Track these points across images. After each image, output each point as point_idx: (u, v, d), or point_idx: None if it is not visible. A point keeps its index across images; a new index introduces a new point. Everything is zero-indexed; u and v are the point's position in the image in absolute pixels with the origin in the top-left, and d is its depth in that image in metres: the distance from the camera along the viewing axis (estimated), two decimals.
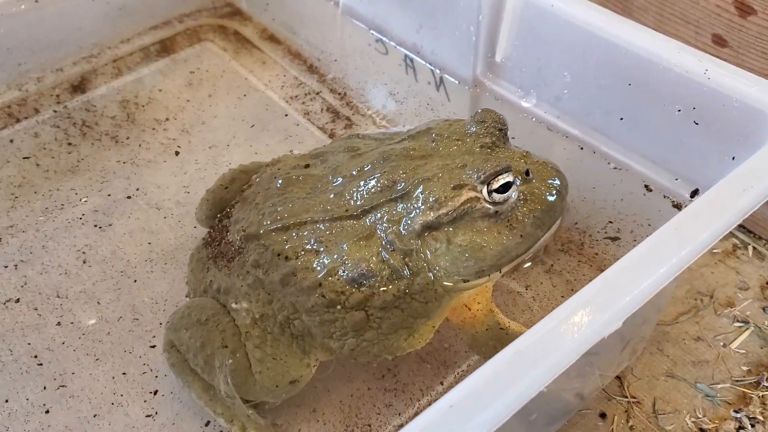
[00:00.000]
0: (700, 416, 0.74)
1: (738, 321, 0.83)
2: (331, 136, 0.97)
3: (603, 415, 0.74)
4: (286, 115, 1.01)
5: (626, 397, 0.76)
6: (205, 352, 0.68)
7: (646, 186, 0.75)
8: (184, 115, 1.00)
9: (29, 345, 0.75)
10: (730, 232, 0.92)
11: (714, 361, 0.79)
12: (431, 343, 0.74)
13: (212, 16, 1.16)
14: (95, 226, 0.86)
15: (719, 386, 0.77)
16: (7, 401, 0.70)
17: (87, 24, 1.06)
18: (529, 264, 0.83)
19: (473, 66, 0.86)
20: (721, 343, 0.80)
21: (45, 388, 0.71)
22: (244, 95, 1.03)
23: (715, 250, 0.90)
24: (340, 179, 0.69)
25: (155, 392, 0.71)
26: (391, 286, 0.63)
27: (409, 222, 0.63)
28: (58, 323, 0.77)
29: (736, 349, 0.80)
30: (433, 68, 0.91)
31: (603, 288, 0.49)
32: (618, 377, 0.77)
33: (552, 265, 0.83)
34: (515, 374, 0.43)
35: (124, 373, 0.72)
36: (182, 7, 1.15)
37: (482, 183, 0.62)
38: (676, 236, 0.52)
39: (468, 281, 0.64)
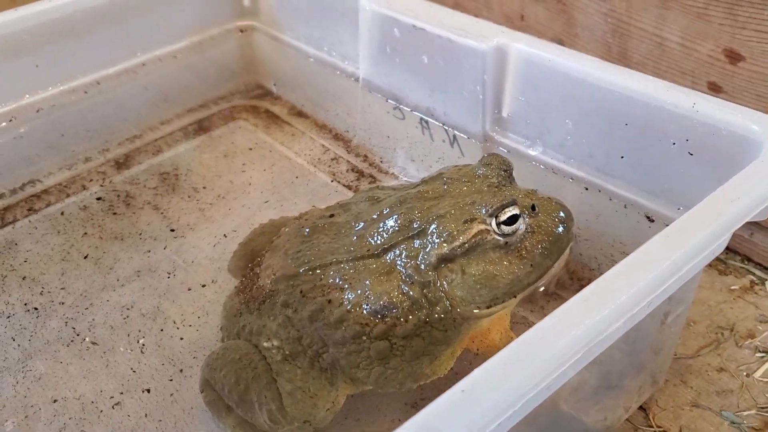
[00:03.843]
0: None
1: (760, 351, 0.84)
2: (356, 192, 1.04)
3: None
4: (315, 177, 1.09)
5: (652, 427, 0.77)
6: (240, 388, 0.72)
7: (648, 218, 0.80)
8: (220, 183, 1.08)
9: (76, 390, 0.80)
10: (746, 269, 0.95)
11: (738, 390, 0.80)
12: (456, 372, 0.77)
13: (245, 98, 1.27)
14: (139, 285, 0.92)
15: (745, 413, 0.78)
16: None
17: (132, 110, 1.17)
18: (542, 288, 0.87)
19: (482, 122, 0.93)
20: (744, 373, 0.82)
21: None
22: (275, 164, 1.12)
23: (732, 287, 0.92)
24: (362, 224, 0.75)
25: None
26: (411, 316, 0.68)
27: (425, 256, 0.68)
28: (106, 370, 0.82)
29: (760, 378, 0.81)
30: (446, 127, 0.98)
31: (602, 288, 0.53)
32: (642, 408, 0.79)
33: (567, 299, 0.86)
34: (523, 361, 0.47)
35: (161, 421, 0.77)
36: (217, 91, 1.26)
37: (490, 216, 0.67)
38: (664, 246, 0.56)
39: (484, 309, 0.68)
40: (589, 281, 0.88)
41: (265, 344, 0.74)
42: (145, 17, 1.14)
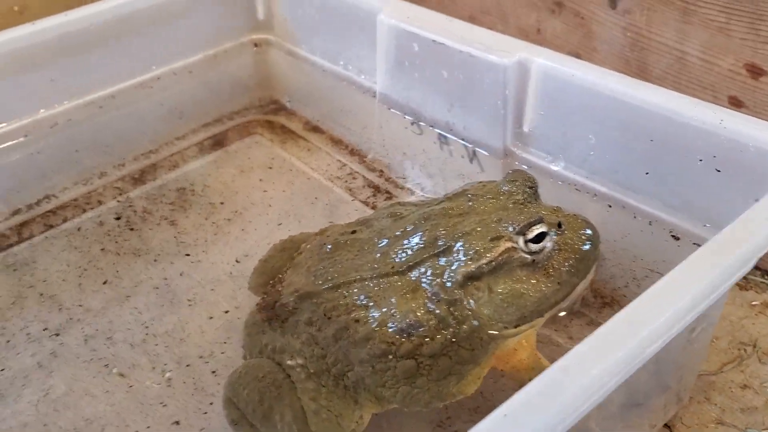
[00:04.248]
0: None
1: None
2: (373, 208, 1.04)
3: None
4: (332, 193, 1.08)
5: None
6: (264, 407, 0.71)
7: (674, 236, 0.79)
8: (237, 199, 1.08)
9: (96, 408, 0.80)
10: (767, 284, 0.94)
11: (762, 407, 0.79)
12: (483, 394, 0.76)
13: (260, 113, 1.27)
14: (157, 302, 0.92)
15: None
16: None
17: (148, 125, 1.17)
18: (566, 311, 0.86)
19: (503, 138, 0.92)
20: None
21: None
22: (292, 179, 1.11)
23: (754, 302, 0.92)
24: (385, 240, 0.74)
25: None
26: (438, 335, 0.67)
27: (452, 274, 0.68)
28: (127, 391, 0.82)
29: None
30: (465, 143, 0.98)
31: (638, 310, 0.53)
32: (667, 426, 0.78)
33: (592, 318, 0.86)
34: (564, 385, 0.47)
35: None
36: (232, 106, 1.26)
37: (518, 234, 0.67)
38: (698, 268, 0.56)
39: (511, 328, 0.67)
40: (612, 299, 0.88)
41: (288, 362, 0.74)
42: (160, 31, 1.14)
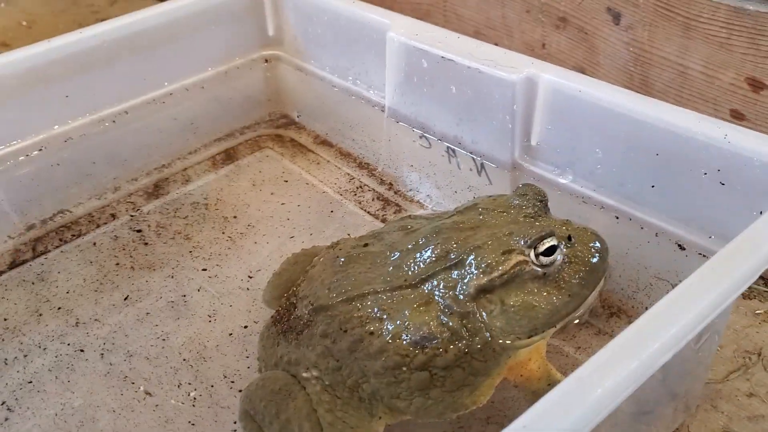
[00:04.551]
0: None
1: None
2: (383, 221, 1.06)
3: None
4: (341, 206, 1.10)
5: None
6: (281, 420, 0.73)
7: (680, 246, 0.81)
8: (249, 212, 1.10)
9: (116, 424, 0.81)
10: None
11: None
12: (494, 403, 0.78)
13: (270, 127, 1.29)
14: (172, 315, 0.94)
15: None
16: None
17: (160, 140, 1.19)
18: (577, 321, 0.88)
19: (511, 151, 0.94)
20: None
21: None
22: (302, 193, 1.13)
23: (758, 311, 0.93)
24: (397, 254, 0.76)
25: None
26: (452, 347, 0.68)
27: (464, 287, 0.69)
28: (153, 410, 0.83)
29: None
30: (474, 156, 1.00)
31: (651, 322, 0.54)
32: None
33: (600, 328, 0.87)
34: (581, 396, 0.48)
35: None
36: (243, 120, 1.28)
37: (529, 247, 0.68)
38: (708, 279, 0.57)
39: (524, 339, 0.69)
40: (618, 309, 0.90)
41: (304, 374, 0.75)
42: (173, 48, 1.16)
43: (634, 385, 0.51)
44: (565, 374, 0.78)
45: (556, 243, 0.68)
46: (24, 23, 1.84)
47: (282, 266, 0.90)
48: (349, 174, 1.17)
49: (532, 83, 0.88)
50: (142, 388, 0.84)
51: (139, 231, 1.07)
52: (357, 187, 1.14)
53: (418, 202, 1.09)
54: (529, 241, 0.68)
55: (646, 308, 0.86)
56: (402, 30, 1.01)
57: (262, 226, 1.07)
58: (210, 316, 0.93)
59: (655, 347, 0.52)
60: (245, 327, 0.92)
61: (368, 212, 1.08)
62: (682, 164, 0.78)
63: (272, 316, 0.83)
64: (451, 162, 1.03)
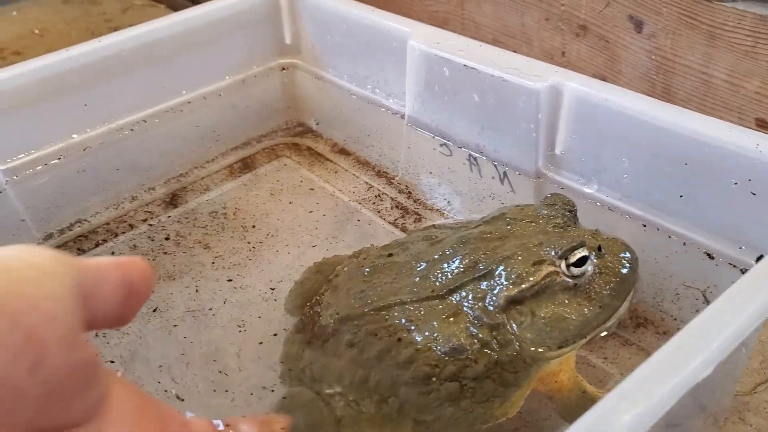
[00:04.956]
0: None
1: None
2: (403, 229, 1.05)
3: None
4: (360, 215, 1.10)
5: None
6: None
7: (709, 255, 0.80)
8: (268, 221, 1.09)
9: None
10: None
11: None
12: (521, 414, 0.77)
13: (287, 135, 1.28)
14: (192, 325, 0.93)
15: None
16: None
17: (178, 149, 1.19)
18: (605, 333, 0.87)
19: (535, 160, 0.94)
20: None
21: None
22: (320, 201, 1.13)
23: None
24: (424, 264, 0.75)
25: None
26: (482, 358, 0.68)
27: (494, 298, 0.69)
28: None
29: None
30: (496, 164, 0.99)
31: (692, 336, 0.53)
32: None
33: (627, 339, 0.86)
34: (623, 411, 0.48)
35: None
36: (260, 129, 1.28)
37: (560, 258, 0.68)
38: (746, 292, 0.57)
39: (554, 351, 0.68)
40: (645, 319, 0.89)
41: (327, 391, 0.74)
42: (190, 57, 1.16)
43: (674, 400, 0.51)
44: (594, 385, 0.78)
45: (587, 254, 0.68)
46: (36, 31, 1.84)
47: (304, 275, 0.90)
48: (367, 182, 1.16)
49: (557, 92, 0.88)
50: (162, 397, 0.84)
51: (158, 241, 1.06)
52: (375, 196, 1.13)
53: (438, 210, 1.09)
54: (560, 252, 0.68)
55: (674, 318, 0.86)
56: (423, 38, 1.00)
57: (281, 235, 1.06)
58: (228, 325, 0.92)
59: (697, 363, 0.52)
60: (274, 335, 0.91)
61: (387, 221, 1.08)
62: (711, 174, 0.77)
63: (296, 324, 0.83)
64: (473, 170, 1.03)
